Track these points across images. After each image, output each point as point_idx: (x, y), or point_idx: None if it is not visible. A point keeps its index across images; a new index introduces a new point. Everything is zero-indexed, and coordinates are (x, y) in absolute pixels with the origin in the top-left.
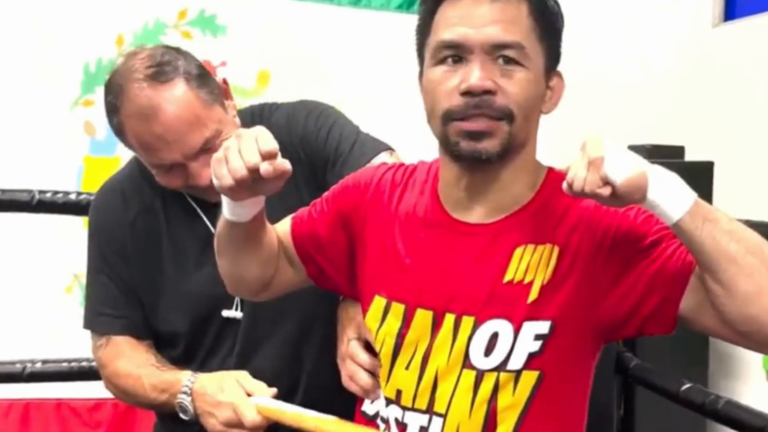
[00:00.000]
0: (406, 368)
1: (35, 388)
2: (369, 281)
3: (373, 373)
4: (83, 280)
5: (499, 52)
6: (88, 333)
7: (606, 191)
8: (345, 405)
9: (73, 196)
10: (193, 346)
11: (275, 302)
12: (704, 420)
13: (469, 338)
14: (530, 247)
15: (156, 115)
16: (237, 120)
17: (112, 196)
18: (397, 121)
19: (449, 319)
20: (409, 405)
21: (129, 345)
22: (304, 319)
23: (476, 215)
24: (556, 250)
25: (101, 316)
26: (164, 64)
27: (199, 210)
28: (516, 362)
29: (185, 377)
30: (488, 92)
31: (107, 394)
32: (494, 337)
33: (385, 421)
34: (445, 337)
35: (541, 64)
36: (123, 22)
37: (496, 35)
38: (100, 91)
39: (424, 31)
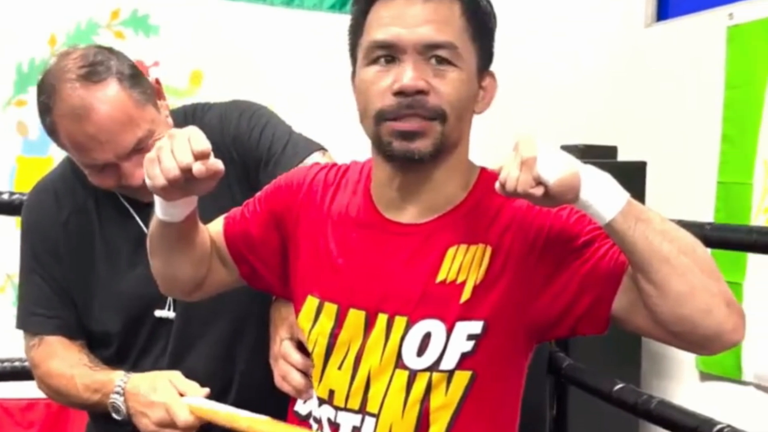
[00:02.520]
0: (339, 368)
1: None
2: (301, 281)
3: (305, 373)
4: (16, 280)
5: (432, 52)
6: (20, 333)
7: (539, 191)
8: (278, 405)
9: (5, 196)
10: (125, 346)
11: (208, 302)
12: (637, 420)
13: (402, 338)
14: (463, 247)
15: (88, 115)
16: (170, 120)
17: (45, 196)
18: (330, 121)
19: (382, 319)
20: (342, 405)
21: (62, 345)
22: (236, 320)
23: (409, 215)
24: (489, 250)
25: (34, 316)
26: (97, 64)
27: (131, 210)
28: (448, 362)
29: (118, 377)
30: (421, 92)
31: (40, 394)
32: (427, 337)
33: (318, 421)
34: (377, 337)
35: (473, 64)
36: (55, 22)
37: (428, 35)
38: (32, 91)
39: (356, 31)
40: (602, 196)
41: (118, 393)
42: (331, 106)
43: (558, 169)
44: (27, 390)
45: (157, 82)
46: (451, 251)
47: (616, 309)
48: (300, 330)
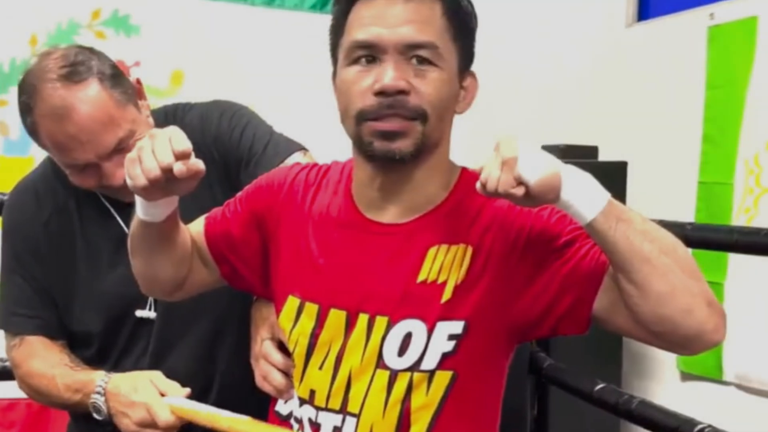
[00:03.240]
0: (320, 368)
1: None
2: (282, 281)
3: (286, 373)
4: None
5: (413, 52)
6: (1, 333)
7: (519, 191)
8: (259, 405)
9: None
10: (106, 346)
11: (189, 302)
12: (618, 420)
13: (383, 338)
14: (444, 247)
15: (69, 115)
16: (150, 120)
17: (26, 196)
18: (311, 121)
19: (363, 319)
20: (323, 405)
21: (43, 345)
22: (217, 320)
23: (390, 215)
24: (470, 250)
25: (15, 316)
26: (78, 64)
27: (112, 210)
28: (429, 362)
29: (99, 377)
30: (402, 92)
31: (21, 394)
32: (408, 337)
33: (299, 421)
34: (358, 337)
35: (454, 64)
36: (37, 22)
37: (409, 35)
38: (13, 91)
39: (337, 31)
40: (583, 196)
41: (98, 393)
42: (312, 106)
43: (539, 169)
44: (8, 390)
45: (138, 82)
46: (432, 251)
47: (597, 309)
48: (281, 330)
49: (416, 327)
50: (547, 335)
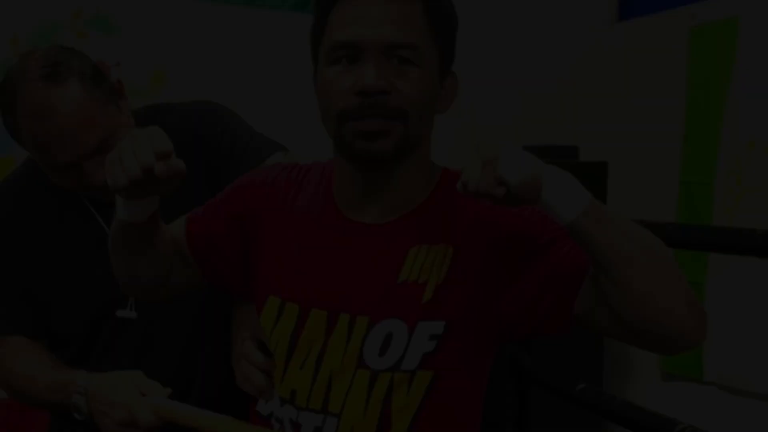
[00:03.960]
0: (301, 368)
1: None
2: (263, 281)
3: (267, 373)
4: None
5: (394, 52)
6: None
7: (500, 191)
8: (240, 405)
9: None
10: (87, 346)
11: (170, 302)
12: (599, 420)
13: (364, 338)
14: (424, 247)
15: (50, 115)
16: (131, 120)
17: (6, 196)
18: (292, 121)
19: (343, 319)
20: (304, 405)
21: (23, 345)
22: (198, 320)
23: (371, 215)
24: (451, 250)
25: None
26: (58, 65)
27: (93, 210)
28: (410, 362)
29: (80, 377)
30: (382, 92)
31: (2, 393)
32: (389, 337)
33: (280, 421)
34: (339, 337)
35: (435, 64)
36: (18, 22)
37: (390, 35)
38: None
39: (318, 30)
40: (564, 197)
41: (79, 393)
42: (293, 106)
43: (520, 169)
44: None
45: (119, 82)
46: (412, 251)
47: (578, 309)
48: (262, 330)
49: (397, 327)
50: (528, 335)
